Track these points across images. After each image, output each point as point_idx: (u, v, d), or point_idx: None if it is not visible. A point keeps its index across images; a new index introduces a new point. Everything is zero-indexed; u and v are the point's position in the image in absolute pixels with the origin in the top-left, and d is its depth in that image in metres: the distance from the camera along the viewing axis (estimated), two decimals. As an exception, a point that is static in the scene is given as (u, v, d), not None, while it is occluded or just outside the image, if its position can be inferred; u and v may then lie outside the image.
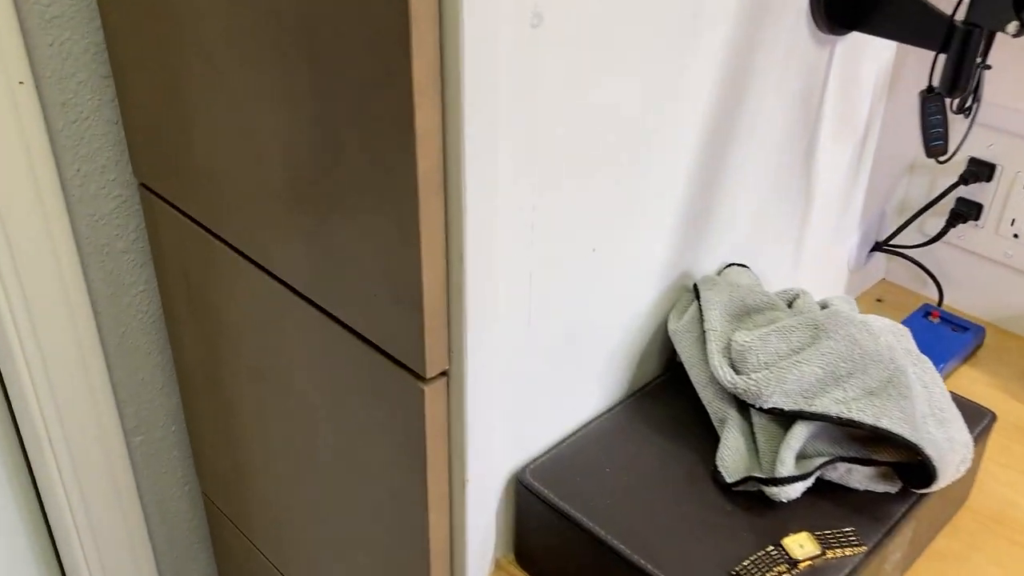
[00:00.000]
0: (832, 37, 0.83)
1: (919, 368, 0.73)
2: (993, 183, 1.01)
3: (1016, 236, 1.01)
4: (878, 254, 1.11)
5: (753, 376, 0.70)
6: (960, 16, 0.73)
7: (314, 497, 0.86)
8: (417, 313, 0.62)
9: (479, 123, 0.56)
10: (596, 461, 0.74)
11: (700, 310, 0.78)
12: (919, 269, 1.10)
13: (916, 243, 1.07)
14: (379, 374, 0.68)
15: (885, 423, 0.66)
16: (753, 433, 0.73)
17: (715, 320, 0.75)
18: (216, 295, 0.86)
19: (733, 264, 0.85)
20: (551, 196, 0.64)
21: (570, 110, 0.62)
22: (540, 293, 0.67)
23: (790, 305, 0.79)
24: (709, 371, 0.75)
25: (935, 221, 1.07)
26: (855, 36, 0.86)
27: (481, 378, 0.66)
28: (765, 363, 0.70)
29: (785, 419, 0.71)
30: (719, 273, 0.84)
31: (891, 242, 1.08)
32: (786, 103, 0.82)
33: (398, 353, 0.65)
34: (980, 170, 1.01)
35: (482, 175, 0.58)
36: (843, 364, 0.69)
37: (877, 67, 0.92)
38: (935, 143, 0.81)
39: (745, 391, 0.70)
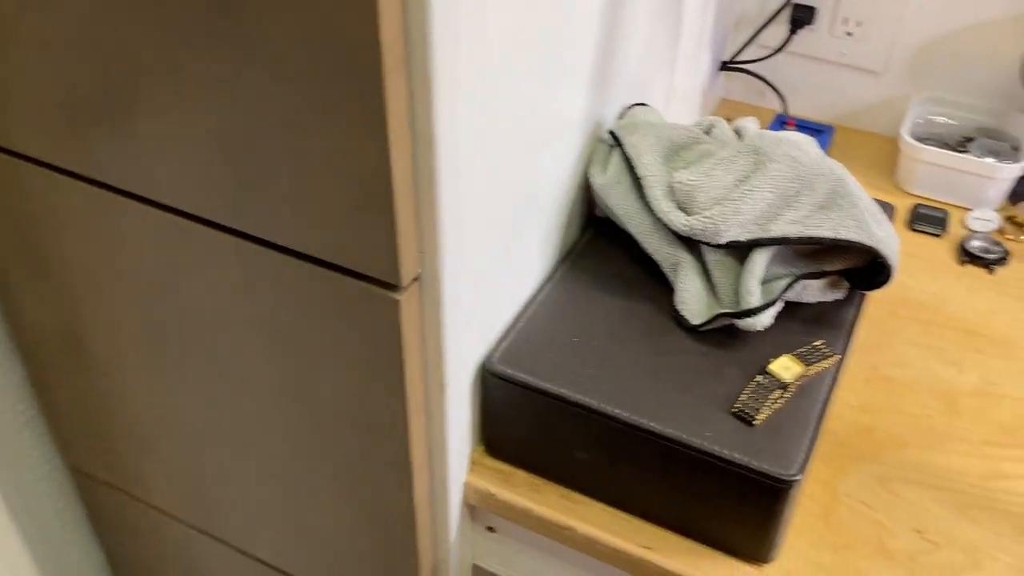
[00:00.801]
0: None
1: (841, 170, 0.74)
2: (824, -15, 1.03)
3: (849, 34, 1.06)
4: (718, 73, 1.12)
5: (707, 214, 0.68)
6: None
7: (255, 447, 0.77)
8: (387, 215, 0.54)
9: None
10: (557, 333, 0.71)
11: (626, 158, 0.74)
12: (758, 82, 1.12)
13: (759, 57, 1.09)
14: (337, 294, 0.60)
15: (844, 233, 0.67)
16: (707, 271, 0.72)
17: (649, 164, 0.72)
18: (72, 248, 0.71)
19: (635, 105, 0.82)
20: (494, 65, 0.57)
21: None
22: (492, 168, 0.61)
23: (707, 134, 0.78)
24: (651, 219, 0.73)
25: (770, 33, 1.09)
26: None
27: (454, 275, 0.60)
28: (715, 198, 0.69)
29: (739, 251, 0.70)
30: (623, 116, 0.81)
31: (736, 59, 1.09)
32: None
33: (363, 266, 0.57)
34: (812, -26, 1.03)
35: (446, 49, 0.50)
36: (791, 184, 0.69)
37: None
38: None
39: (703, 230, 0.69)
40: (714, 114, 1.15)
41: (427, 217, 0.56)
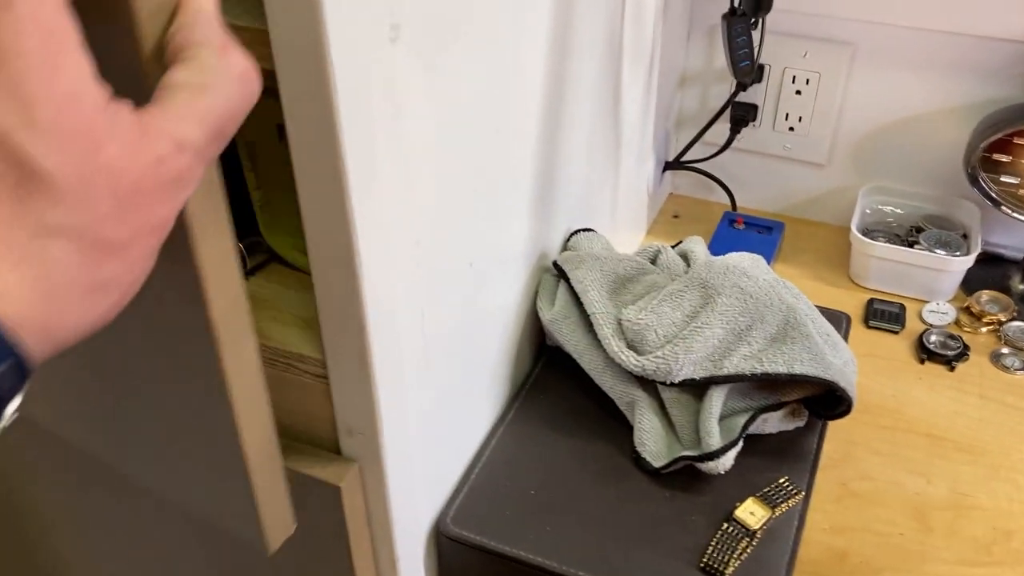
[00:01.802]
0: (625, -28, 0.78)
1: (792, 295, 0.73)
2: (763, 83, 1.03)
3: (792, 129, 1.05)
4: (663, 173, 1.12)
5: (658, 353, 0.66)
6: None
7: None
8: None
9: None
10: (513, 485, 0.67)
11: (573, 292, 0.72)
12: (703, 177, 1.12)
13: (705, 156, 1.08)
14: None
15: (799, 368, 0.65)
16: (665, 409, 0.69)
17: (596, 302, 0.70)
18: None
19: (579, 231, 0.80)
20: (431, 223, 0.54)
21: (437, 111, 0.52)
22: (431, 323, 0.58)
23: (653, 262, 0.76)
24: (603, 356, 0.71)
25: (713, 130, 1.08)
26: (640, -34, 0.82)
27: (397, 446, 0.57)
28: (665, 336, 0.67)
29: (696, 388, 0.68)
30: (568, 243, 0.79)
31: (682, 159, 1.09)
32: (596, 52, 0.76)
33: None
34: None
35: (367, 202, 0.48)
36: (741, 318, 0.67)
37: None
38: (743, 64, 0.80)
39: (655, 371, 0.66)
40: (662, 210, 1.14)
41: (361, 390, 0.53)
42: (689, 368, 0.66)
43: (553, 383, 0.76)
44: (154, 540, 0.68)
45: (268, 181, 0.58)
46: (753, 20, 0.80)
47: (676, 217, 1.13)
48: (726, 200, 1.12)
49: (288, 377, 0.56)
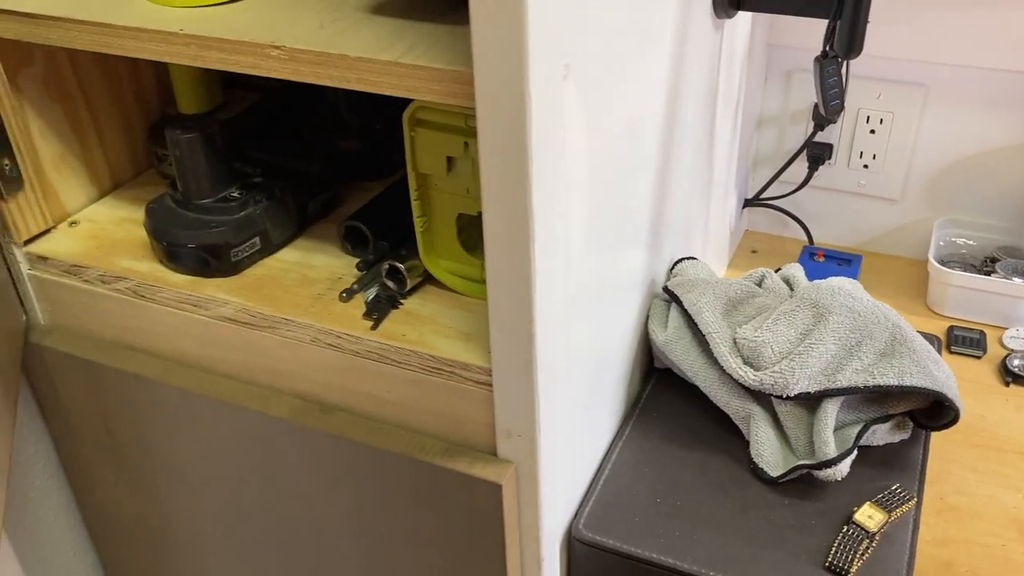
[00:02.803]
0: (724, 20, 0.85)
1: (894, 314, 0.78)
2: (839, 123, 1.09)
3: (866, 166, 1.11)
4: (743, 210, 1.17)
5: (775, 368, 0.71)
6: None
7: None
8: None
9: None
10: (638, 493, 0.72)
11: (685, 315, 0.77)
12: (778, 213, 1.17)
13: (782, 193, 1.13)
14: (437, 484, 0.62)
15: (909, 380, 0.70)
16: (779, 422, 0.74)
17: (711, 322, 0.75)
18: (160, 443, 0.73)
19: (683, 259, 0.85)
20: (579, 248, 0.60)
21: (590, 146, 0.58)
22: (571, 339, 0.63)
23: (759, 286, 0.81)
24: (718, 372, 0.75)
25: (790, 168, 1.14)
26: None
27: (548, 452, 0.62)
28: (781, 353, 0.72)
29: (809, 401, 0.73)
30: (673, 271, 0.84)
31: (760, 196, 1.14)
32: (700, 94, 0.83)
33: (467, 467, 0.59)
34: (824, 114, 1.09)
35: (547, 263, 0.53)
36: (852, 335, 0.72)
37: (744, 37, 0.96)
38: (833, 103, 0.86)
39: (772, 385, 0.71)
40: (740, 245, 1.19)
41: (523, 395, 0.58)
42: (804, 382, 0.71)
43: (665, 401, 0.81)
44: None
45: (431, 210, 0.64)
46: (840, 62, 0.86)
47: (754, 252, 1.18)
48: (801, 235, 1.17)
49: (451, 384, 0.61)
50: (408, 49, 0.54)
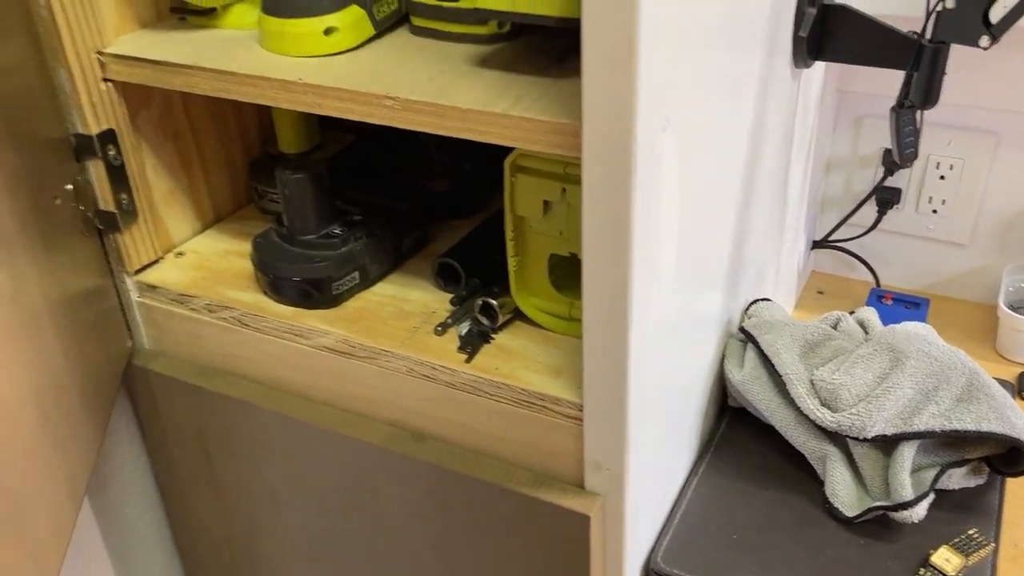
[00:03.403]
0: (802, 70, 0.87)
1: (970, 360, 0.79)
2: (908, 169, 1.10)
3: (935, 211, 1.12)
4: (811, 251, 1.19)
5: (853, 410, 0.73)
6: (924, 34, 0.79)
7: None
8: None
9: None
10: (714, 529, 0.74)
11: (762, 355, 0.79)
12: (844, 255, 1.18)
13: (850, 236, 1.15)
14: (525, 513, 0.64)
15: (986, 426, 0.71)
16: (854, 463, 0.75)
17: (788, 364, 0.77)
18: (255, 466, 0.77)
19: (758, 300, 0.87)
20: (666, 289, 0.63)
21: (680, 195, 0.61)
22: (656, 376, 0.66)
23: (835, 329, 0.83)
24: (794, 413, 0.77)
25: (858, 211, 1.15)
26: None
27: (634, 484, 0.64)
28: (858, 395, 0.73)
29: (885, 444, 0.74)
30: (748, 312, 0.87)
31: (829, 239, 1.16)
32: (777, 141, 0.85)
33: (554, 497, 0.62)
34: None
35: (642, 296, 0.56)
36: (929, 379, 0.73)
37: (818, 84, 0.98)
38: (908, 151, 0.88)
39: (849, 427, 0.73)
40: (806, 286, 1.21)
41: (614, 430, 0.60)
42: (881, 425, 0.72)
43: (739, 439, 0.83)
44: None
45: (525, 250, 0.67)
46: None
47: (821, 293, 1.20)
48: (867, 277, 1.18)
49: (541, 418, 0.64)
50: (515, 101, 0.57)
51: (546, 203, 0.64)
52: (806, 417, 0.76)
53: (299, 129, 0.82)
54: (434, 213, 0.83)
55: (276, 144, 0.84)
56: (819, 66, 0.97)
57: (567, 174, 0.62)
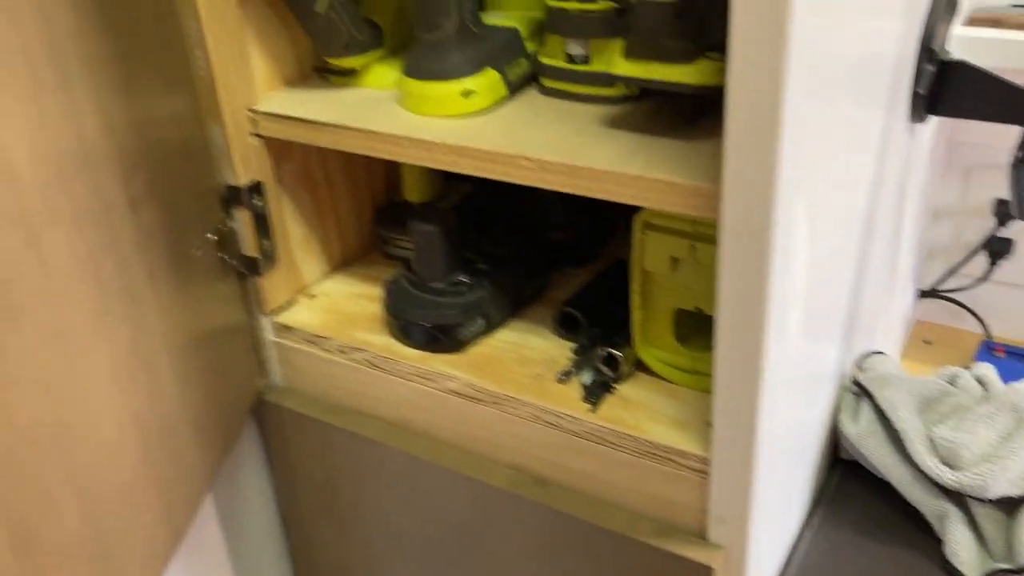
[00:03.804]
0: (919, 124, 0.88)
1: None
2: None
3: (1049, 264, 1.10)
4: (917, 300, 1.18)
5: (975, 470, 0.72)
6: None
7: None
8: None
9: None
10: (830, 583, 0.74)
11: (878, 410, 0.79)
12: (951, 305, 1.17)
13: (959, 286, 1.14)
14: (645, 563, 0.66)
15: (1116, 491, 0.70)
16: (975, 523, 0.75)
17: (906, 419, 0.77)
18: (378, 503, 0.80)
19: (872, 353, 0.87)
20: (792, 345, 0.64)
21: (809, 250, 0.63)
22: (779, 433, 0.67)
23: (953, 385, 0.83)
24: (912, 470, 0.77)
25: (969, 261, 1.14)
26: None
27: (756, 538, 0.65)
28: (981, 455, 0.73)
29: (1010, 505, 0.73)
30: (862, 364, 0.87)
31: (937, 288, 1.15)
32: (892, 193, 0.86)
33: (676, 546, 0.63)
34: (1007, 209, 1.09)
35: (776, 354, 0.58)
36: (1055, 441, 0.72)
37: (931, 137, 0.98)
38: (1027, 206, 0.88)
39: (971, 486, 0.72)
40: (912, 336, 1.20)
41: (740, 484, 0.62)
42: (1005, 485, 0.72)
43: (853, 493, 0.83)
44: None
45: (650, 303, 0.69)
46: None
47: (927, 343, 1.18)
48: (974, 328, 1.16)
49: (665, 470, 0.66)
50: (648, 163, 0.60)
51: (674, 259, 0.66)
52: (924, 474, 0.76)
53: (425, 180, 0.86)
54: (552, 260, 0.86)
55: (402, 192, 0.88)
56: (933, 118, 0.97)
57: (696, 231, 0.64)
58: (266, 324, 0.82)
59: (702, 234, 0.64)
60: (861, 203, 0.74)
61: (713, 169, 0.55)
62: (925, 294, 1.16)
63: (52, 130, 0.59)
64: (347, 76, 0.77)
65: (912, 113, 0.84)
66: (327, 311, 0.83)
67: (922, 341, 1.19)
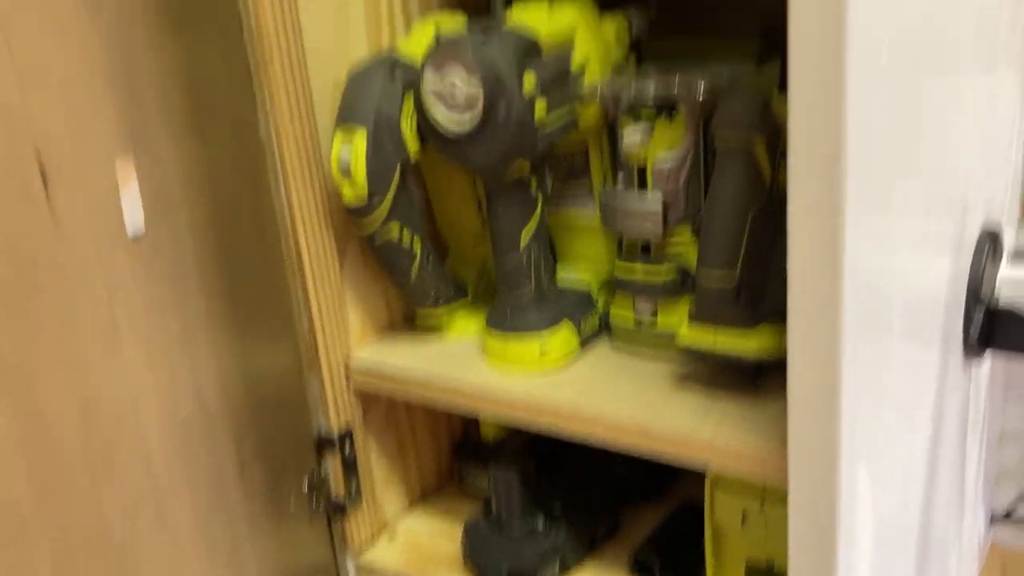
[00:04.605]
0: (972, 360, 0.91)
1: None
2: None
3: (1123, 489, 1.09)
4: (990, 527, 1.16)
5: None
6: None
7: None
8: None
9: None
10: None
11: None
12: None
13: (1031, 511, 1.13)
14: None
15: None
16: None
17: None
18: None
19: None
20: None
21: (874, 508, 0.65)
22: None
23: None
24: None
25: (1038, 484, 1.14)
26: (980, 353, 0.94)
27: None
28: None
29: None
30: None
31: (1011, 511, 1.14)
32: (954, 424, 0.88)
33: None
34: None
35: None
36: None
37: (989, 363, 1.01)
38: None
39: None
40: (987, 563, 1.17)
41: None
42: None
43: None
44: None
45: (722, 554, 0.72)
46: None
47: (1005, 568, 1.16)
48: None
49: None
50: (717, 425, 0.64)
51: (744, 514, 0.69)
52: None
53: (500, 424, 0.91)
54: (621, 497, 0.89)
55: (478, 430, 0.93)
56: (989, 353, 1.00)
57: (765, 488, 0.67)
58: (351, 565, 0.86)
59: (772, 491, 0.67)
60: (925, 438, 0.77)
61: (779, 430, 0.59)
62: (996, 520, 1.15)
63: (180, 392, 0.65)
64: (433, 325, 0.84)
65: (966, 352, 0.88)
66: (408, 551, 0.86)
67: (1000, 567, 1.17)
